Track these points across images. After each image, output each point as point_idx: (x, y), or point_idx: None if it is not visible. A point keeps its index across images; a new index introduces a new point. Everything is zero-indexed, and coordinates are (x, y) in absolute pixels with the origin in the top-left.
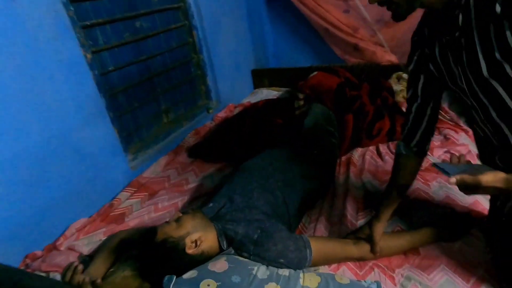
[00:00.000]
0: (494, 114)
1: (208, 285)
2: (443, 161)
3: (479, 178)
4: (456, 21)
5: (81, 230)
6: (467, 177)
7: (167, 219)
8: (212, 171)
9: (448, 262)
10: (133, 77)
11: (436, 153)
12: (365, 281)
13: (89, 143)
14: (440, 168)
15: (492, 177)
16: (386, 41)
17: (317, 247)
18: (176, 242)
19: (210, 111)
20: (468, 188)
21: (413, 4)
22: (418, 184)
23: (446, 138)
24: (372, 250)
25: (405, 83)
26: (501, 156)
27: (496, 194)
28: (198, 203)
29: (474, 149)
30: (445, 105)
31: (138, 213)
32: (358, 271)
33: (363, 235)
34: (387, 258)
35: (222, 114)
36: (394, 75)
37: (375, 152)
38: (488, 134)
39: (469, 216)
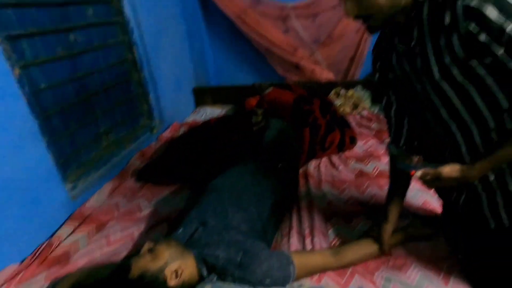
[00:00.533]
0: (444, 114)
1: None
2: (402, 162)
3: (439, 170)
4: (412, 33)
5: (13, 279)
6: (429, 170)
7: (127, 252)
8: (166, 194)
9: (418, 260)
10: (69, 96)
11: (384, 160)
12: None
13: (20, 172)
14: (403, 167)
15: (449, 169)
16: (323, 60)
17: (299, 261)
18: (155, 275)
19: (154, 131)
20: (430, 180)
21: (388, 17)
22: (373, 191)
23: None
24: (381, 250)
25: (343, 99)
26: (449, 154)
27: (454, 185)
28: (158, 230)
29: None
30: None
31: (86, 249)
32: (340, 280)
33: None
34: (363, 264)
35: (167, 134)
36: (333, 91)
37: (329, 163)
38: (438, 134)
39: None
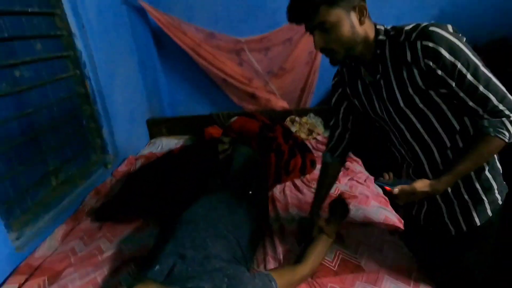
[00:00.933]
0: (408, 136)
1: None
2: (378, 179)
3: (413, 186)
4: (377, 67)
5: None
6: (405, 187)
7: None
8: (129, 232)
9: (388, 272)
10: (13, 134)
11: (343, 181)
12: None
13: None
14: (381, 185)
15: (421, 184)
16: (276, 90)
17: (279, 277)
18: None
19: (109, 166)
20: (406, 195)
21: (350, 52)
22: None
23: (346, 168)
24: (329, 235)
25: (298, 125)
26: (413, 170)
27: (422, 198)
28: (124, 272)
29: (368, 174)
30: None
31: None
32: None
33: (315, 232)
34: (339, 279)
35: (122, 168)
36: (288, 119)
37: (293, 186)
38: (403, 153)
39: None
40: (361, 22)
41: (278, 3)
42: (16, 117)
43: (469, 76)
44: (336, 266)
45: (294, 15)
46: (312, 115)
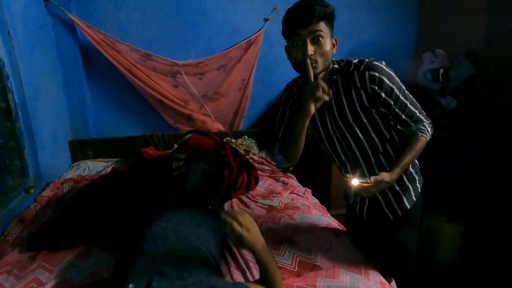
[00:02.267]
0: (353, 144)
1: None
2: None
3: (381, 176)
4: (329, 91)
5: None
6: (377, 177)
7: None
8: (70, 259)
9: (342, 267)
10: None
11: (284, 195)
12: None
13: None
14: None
15: (383, 174)
16: (211, 113)
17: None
18: None
19: (32, 191)
20: (377, 185)
21: (323, 70)
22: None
23: (284, 183)
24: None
25: (234, 146)
26: (352, 171)
27: (385, 188)
28: None
29: (306, 188)
30: (269, 159)
31: None
32: None
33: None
34: (302, 278)
35: (48, 193)
36: (225, 140)
37: (240, 202)
38: (343, 159)
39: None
40: (333, 51)
41: (213, 31)
42: None
43: (401, 97)
44: (296, 268)
45: (298, 17)
46: (246, 137)
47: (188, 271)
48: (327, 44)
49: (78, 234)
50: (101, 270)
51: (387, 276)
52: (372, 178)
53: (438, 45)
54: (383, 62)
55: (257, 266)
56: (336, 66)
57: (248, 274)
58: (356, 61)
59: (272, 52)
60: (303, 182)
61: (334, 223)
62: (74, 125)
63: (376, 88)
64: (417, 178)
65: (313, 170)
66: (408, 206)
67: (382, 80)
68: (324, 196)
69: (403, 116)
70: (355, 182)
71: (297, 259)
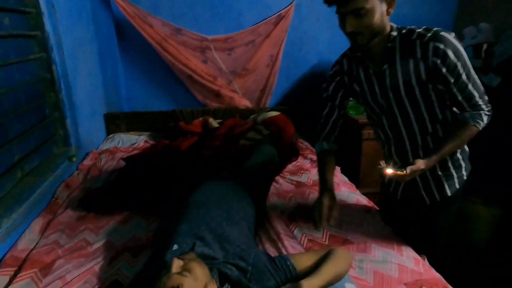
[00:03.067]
0: (400, 121)
1: None
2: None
3: (417, 165)
4: (385, 59)
5: None
6: (413, 167)
7: None
8: (113, 225)
9: (373, 241)
10: None
11: (313, 172)
12: None
13: None
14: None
15: (420, 162)
16: (239, 89)
17: (295, 259)
18: None
19: (74, 159)
20: (412, 173)
21: (373, 38)
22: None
23: (312, 160)
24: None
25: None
26: (396, 150)
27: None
28: (122, 260)
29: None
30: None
31: None
32: None
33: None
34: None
35: (88, 162)
36: (251, 117)
37: None
38: (389, 136)
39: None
40: (388, 13)
41: (243, 6)
42: None
43: (463, 76)
44: (327, 241)
45: None
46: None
47: (229, 242)
48: (373, 15)
49: (129, 202)
50: (140, 235)
51: (420, 253)
52: (408, 169)
53: (481, 19)
54: (453, 34)
55: (288, 236)
56: (394, 33)
57: (279, 245)
58: (421, 29)
59: (302, 27)
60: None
61: (364, 200)
62: (108, 98)
63: (439, 61)
64: (463, 165)
65: (343, 148)
66: (449, 193)
67: (447, 53)
68: (353, 175)
69: (460, 97)
70: (389, 171)
71: (327, 233)
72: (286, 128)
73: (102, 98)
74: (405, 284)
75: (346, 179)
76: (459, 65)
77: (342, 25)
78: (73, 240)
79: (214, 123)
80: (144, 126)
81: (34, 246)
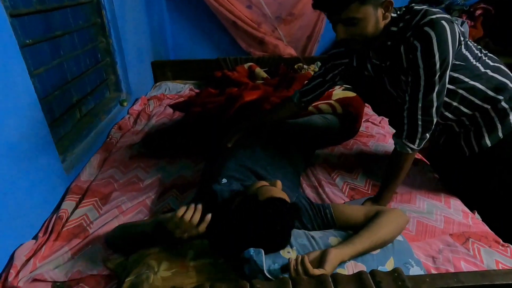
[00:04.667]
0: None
1: (288, 252)
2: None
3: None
4: (386, 56)
5: (36, 256)
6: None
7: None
8: (162, 163)
9: (419, 193)
10: (46, 57)
11: None
12: None
13: (22, 138)
14: None
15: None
16: (284, 37)
17: (337, 210)
18: (281, 206)
19: (125, 104)
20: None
21: (367, 44)
22: (360, 147)
23: None
24: None
25: (304, 71)
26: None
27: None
28: (170, 196)
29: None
30: None
31: (101, 220)
32: None
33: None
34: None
35: (137, 107)
36: (296, 66)
37: None
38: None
39: None
40: (384, 17)
41: None
42: (47, 38)
43: (422, 77)
44: (370, 190)
45: (322, 4)
46: (319, 63)
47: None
48: (366, 23)
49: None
50: (187, 175)
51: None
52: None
53: None
54: (446, 26)
55: (329, 183)
56: (394, 28)
57: (320, 190)
58: (418, 18)
59: None
60: (379, 112)
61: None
62: (155, 46)
63: (410, 56)
64: (511, 114)
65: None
66: (489, 144)
67: (417, 51)
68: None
69: (407, 97)
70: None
71: (370, 182)
72: (362, 114)
73: (149, 46)
74: (450, 234)
75: (394, 130)
76: (421, 68)
77: (334, 31)
78: (126, 176)
79: (261, 73)
80: (189, 74)
81: (94, 179)
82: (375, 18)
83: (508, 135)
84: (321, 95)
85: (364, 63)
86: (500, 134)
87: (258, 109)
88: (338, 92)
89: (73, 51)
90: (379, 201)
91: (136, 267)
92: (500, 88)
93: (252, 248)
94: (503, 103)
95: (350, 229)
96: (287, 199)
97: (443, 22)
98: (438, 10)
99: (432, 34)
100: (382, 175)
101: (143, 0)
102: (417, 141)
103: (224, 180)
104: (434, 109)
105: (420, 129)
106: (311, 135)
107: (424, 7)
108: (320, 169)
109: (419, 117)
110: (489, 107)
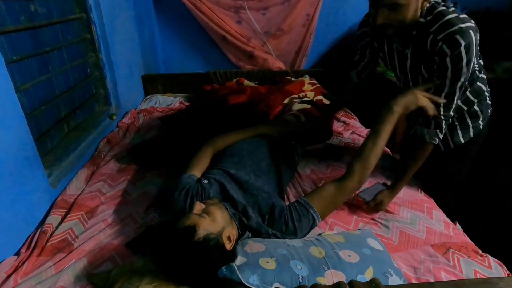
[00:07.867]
0: (411, 84)
1: (268, 262)
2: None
3: (383, 204)
4: (408, 43)
5: (17, 272)
6: (380, 206)
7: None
8: (150, 177)
9: (402, 203)
10: (34, 72)
11: (345, 135)
12: (358, 229)
13: (4, 151)
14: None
15: (385, 199)
16: (273, 51)
17: (315, 201)
18: (216, 239)
19: (114, 117)
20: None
21: (401, 29)
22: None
23: (345, 123)
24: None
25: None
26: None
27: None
28: (157, 209)
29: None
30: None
31: (87, 234)
32: (348, 227)
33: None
34: (362, 215)
35: (127, 121)
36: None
37: None
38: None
39: None
40: (423, 6)
41: None
42: (35, 54)
43: (447, 80)
44: (355, 200)
45: None
46: (307, 76)
47: (251, 190)
48: (408, 10)
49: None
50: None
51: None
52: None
53: None
54: (472, 36)
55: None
56: (421, 20)
57: None
58: (444, 20)
59: None
60: (366, 124)
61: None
62: (145, 60)
63: (437, 59)
64: (481, 116)
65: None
66: (462, 141)
67: (446, 55)
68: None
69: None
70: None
71: (357, 193)
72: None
73: (140, 60)
74: (431, 245)
75: None
76: (449, 69)
77: (374, 16)
78: (114, 189)
79: (250, 84)
80: (179, 88)
81: (80, 193)
82: (416, 6)
83: (476, 135)
84: (374, 67)
85: (382, 45)
86: (471, 134)
87: (249, 111)
88: (297, 106)
89: (62, 66)
90: (394, 189)
91: (118, 281)
92: (478, 92)
93: (223, 267)
94: (475, 107)
95: (332, 208)
96: (219, 227)
97: (471, 32)
98: (465, 16)
99: (462, 42)
100: (399, 166)
101: (134, 15)
102: (442, 131)
103: (205, 181)
104: (453, 105)
105: (443, 122)
106: (293, 131)
107: (452, 7)
108: (307, 180)
109: (442, 115)
110: (466, 108)
